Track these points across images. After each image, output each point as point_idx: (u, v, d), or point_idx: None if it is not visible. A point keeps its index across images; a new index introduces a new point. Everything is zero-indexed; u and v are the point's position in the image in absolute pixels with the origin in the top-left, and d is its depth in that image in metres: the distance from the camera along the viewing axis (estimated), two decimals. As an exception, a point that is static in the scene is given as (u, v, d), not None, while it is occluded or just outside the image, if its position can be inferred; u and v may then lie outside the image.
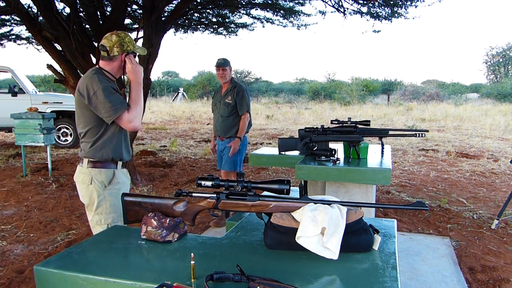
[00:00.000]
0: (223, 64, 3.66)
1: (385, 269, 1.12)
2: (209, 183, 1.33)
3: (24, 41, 7.83)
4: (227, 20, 7.38)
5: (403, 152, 7.49)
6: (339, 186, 2.66)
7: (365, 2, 5.72)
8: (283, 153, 3.13)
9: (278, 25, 7.29)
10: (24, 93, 8.01)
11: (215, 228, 3.62)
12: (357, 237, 1.23)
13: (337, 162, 2.58)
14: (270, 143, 8.72)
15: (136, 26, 7.08)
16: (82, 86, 1.87)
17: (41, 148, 7.70)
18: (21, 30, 7.83)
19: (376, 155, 2.84)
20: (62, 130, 8.39)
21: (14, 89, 7.97)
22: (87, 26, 5.57)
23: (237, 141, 3.60)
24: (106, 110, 1.83)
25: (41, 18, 4.56)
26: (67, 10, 5.39)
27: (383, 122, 12.95)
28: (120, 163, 2.04)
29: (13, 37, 7.67)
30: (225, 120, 3.68)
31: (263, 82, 36.14)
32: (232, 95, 3.65)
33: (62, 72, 4.95)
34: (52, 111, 7.14)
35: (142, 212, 1.42)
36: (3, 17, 6.71)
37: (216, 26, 7.69)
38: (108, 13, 5.54)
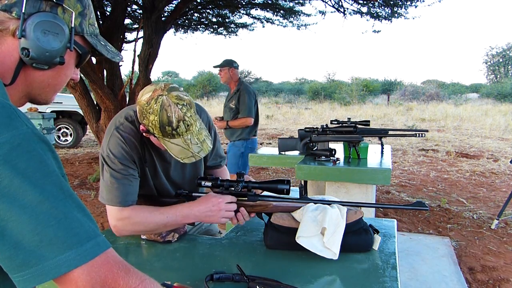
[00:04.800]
0: (218, 66, 3.68)
1: (385, 269, 1.12)
2: (209, 183, 1.33)
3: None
4: (227, 20, 7.38)
5: (403, 152, 7.49)
6: (339, 186, 2.66)
7: (365, 2, 5.72)
8: (283, 153, 3.13)
9: (278, 25, 7.29)
10: None
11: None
12: (357, 237, 1.23)
13: (337, 162, 2.58)
14: (270, 143, 8.72)
15: (136, 26, 7.08)
16: None
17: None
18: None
19: (376, 155, 2.83)
20: (62, 130, 8.39)
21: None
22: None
23: (223, 123, 3.62)
24: None
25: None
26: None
27: (383, 122, 12.95)
28: None
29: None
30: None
31: (263, 82, 36.14)
32: (236, 100, 3.62)
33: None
34: (52, 111, 7.14)
35: (142, 212, 1.41)
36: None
37: (216, 26, 7.69)
38: (108, 13, 5.54)
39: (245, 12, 7.03)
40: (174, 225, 1.30)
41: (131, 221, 1.27)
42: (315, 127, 2.79)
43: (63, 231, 0.56)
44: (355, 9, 5.97)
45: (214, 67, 3.71)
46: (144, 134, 1.27)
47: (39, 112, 5.84)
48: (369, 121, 2.83)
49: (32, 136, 0.58)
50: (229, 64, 3.67)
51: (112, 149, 1.30)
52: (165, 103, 1.16)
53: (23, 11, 0.67)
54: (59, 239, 0.56)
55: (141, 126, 1.25)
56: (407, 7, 5.67)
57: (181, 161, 1.23)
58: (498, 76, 35.74)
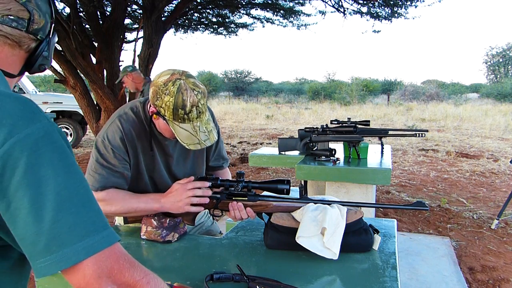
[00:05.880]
0: (118, 81, 3.80)
1: (385, 269, 1.12)
2: (209, 183, 1.33)
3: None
4: (227, 20, 7.38)
5: (403, 152, 7.49)
6: (339, 186, 2.66)
7: (365, 2, 5.72)
8: (283, 153, 3.12)
9: (278, 25, 7.30)
10: (24, 93, 7.99)
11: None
12: (357, 237, 1.23)
13: (337, 162, 2.58)
14: (270, 143, 8.72)
15: (136, 26, 7.08)
16: None
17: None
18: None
19: (376, 155, 2.83)
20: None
21: (14, 89, 7.94)
22: (87, 26, 5.57)
23: None
24: None
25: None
26: (67, 10, 5.40)
27: (383, 122, 12.94)
28: None
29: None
30: None
31: (263, 82, 36.13)
32: None
33: (62, 72, 4.94)
34: (52, 111, 7.14)
35: (142, 212, 1.41)
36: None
37: (216, 26, 7.70)
38: (108, 13, 5.54)
39: (245, 12, 7.03)
40: (144, 211, 1.34)
41: (105, 202, 1.30)
42: (315, 127, 2.79)
43: (82, 219, 0.59)
44: (355, 9, 5.97)
45: (116, 83, 3.82)
46: (153, 117, 1.29)
47: (39, 112, 5.85)
48: (369, 121, 2.83)
49: (54, 128, 0.63)
50: (124, 72, 3.72)
51: (109, 135, 1.33)
52: (182, 86, 1.20)
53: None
54: (78, 226, 0.58)
55: (151, 108, 1.27)
56: (407, 7, 5.68)
57: (187, 147, 1.25)
58: (498, 76, 35.71)
